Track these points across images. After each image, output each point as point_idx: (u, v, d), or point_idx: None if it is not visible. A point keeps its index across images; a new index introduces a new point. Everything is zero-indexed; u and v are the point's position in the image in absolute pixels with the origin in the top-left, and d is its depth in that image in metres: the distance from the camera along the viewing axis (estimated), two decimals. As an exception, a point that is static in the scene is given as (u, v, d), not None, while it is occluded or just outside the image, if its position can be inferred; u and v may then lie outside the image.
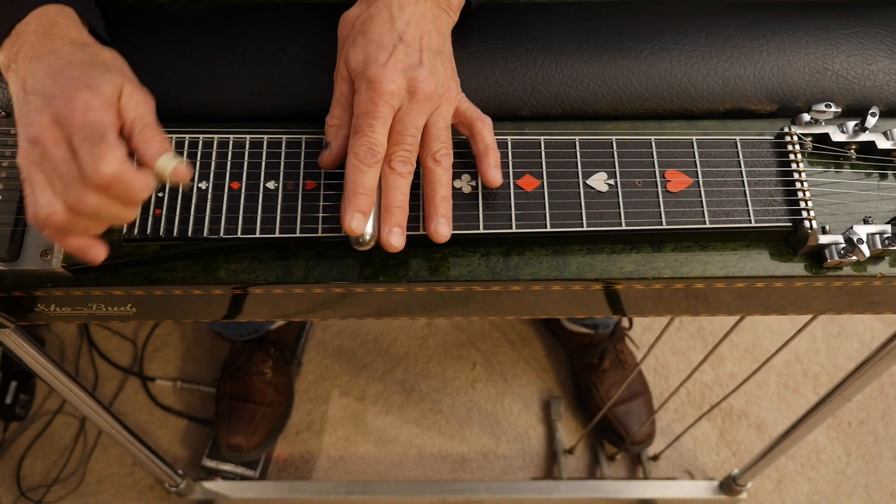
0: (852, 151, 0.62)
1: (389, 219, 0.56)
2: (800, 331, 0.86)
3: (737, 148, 0.62)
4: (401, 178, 0.56)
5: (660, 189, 0.60)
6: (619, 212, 0.59)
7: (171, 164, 0.53)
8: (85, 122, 0.50)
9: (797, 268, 0.61)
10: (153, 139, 0.54)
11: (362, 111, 0.56)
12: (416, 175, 0.58)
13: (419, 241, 0.60)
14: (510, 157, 0.61)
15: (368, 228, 0.55)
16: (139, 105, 0.54)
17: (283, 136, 0.61)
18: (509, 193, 0.60)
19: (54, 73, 0.53)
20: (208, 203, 0.59)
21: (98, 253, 0.55)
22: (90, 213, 0.51)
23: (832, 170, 0.63)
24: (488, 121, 0.60)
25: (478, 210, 0.59)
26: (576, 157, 0.61)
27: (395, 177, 0.56)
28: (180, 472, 1.24)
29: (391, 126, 0.56)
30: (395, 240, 0.56)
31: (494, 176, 0.59)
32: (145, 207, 0.58)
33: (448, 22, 0.61)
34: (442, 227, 0.57)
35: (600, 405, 1.37)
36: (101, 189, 0.50)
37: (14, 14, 0.56)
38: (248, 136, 0.61)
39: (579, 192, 0.60)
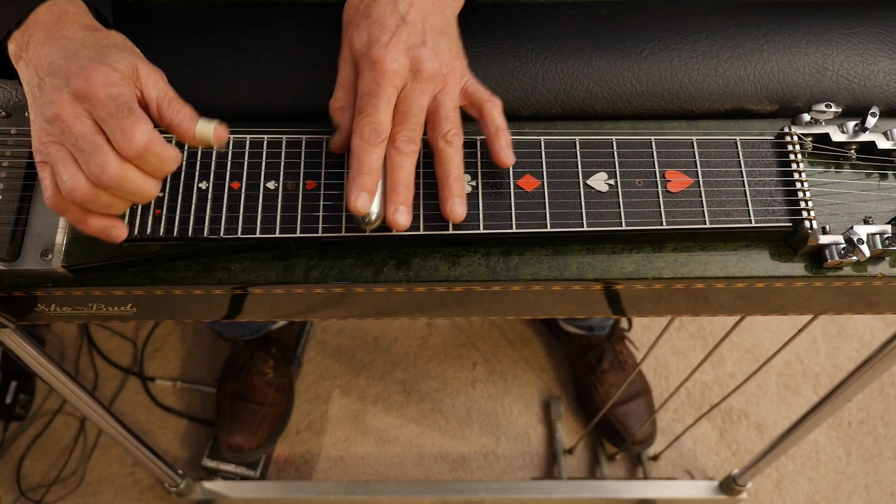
0: (852, 151, 0.62)
1: (395, 198, 0.56)
2: (800, 331, 0.86)
3: (737, 148, 0.62)
4: (405, 157, 0.56)
5: (660, 189, 0.60)
6: (620, 212, 0.59)
7: (210, 128, 0.55)
8: (109, 96, 0.51)
9: (797, 268, 0.61)
10: (183, 110, 0.55)
11: (366, 91, 0.56)
12: (417, 176, 0.59)
13: (419, 242, 0.60)
14: (510, 157, 0.61)
15: (374, 208, 0.56)
16: (158, 81, 0.56)
17: (284, 136, 0.61)
18: (509, 193, 0.60)
19: (69, 55, 0.53)
20: (208, 203, 0.59)
21: (120, 232, 0.56)
22: (113, 184, 0.52)
23: (832, 170, 0.63)
24: (498, 101, 0.60)
25: (478, 210, 0.59)
26: (576, 157, 0.61)
27: (399, 156, 0.56)
28: (180, 472, 1.24)
29: (395, 106, 0.56)
30: (401, 218, 0.56)
31: (507, 156, 0.58)
32: (145, 207, 0.58)
33: (452, 5, 0.61)
34: (458, 207, 0.57)
35: (601, 406, 1.37)
36: (131, 160, 0.52)
37: (24, 6, 0.56)
38: (248, 136, 0.61)
39: (579, 192, 0.60)
